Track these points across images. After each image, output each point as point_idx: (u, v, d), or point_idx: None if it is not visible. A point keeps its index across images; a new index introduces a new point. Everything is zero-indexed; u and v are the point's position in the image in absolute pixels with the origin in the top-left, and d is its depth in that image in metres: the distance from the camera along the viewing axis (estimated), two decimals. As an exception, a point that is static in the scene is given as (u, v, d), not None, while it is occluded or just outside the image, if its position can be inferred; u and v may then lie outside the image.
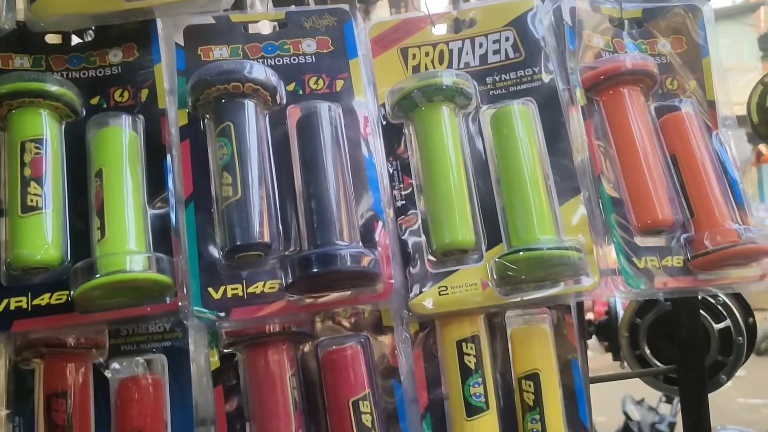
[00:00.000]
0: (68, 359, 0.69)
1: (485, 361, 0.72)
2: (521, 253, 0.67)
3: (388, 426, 0.70)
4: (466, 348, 0.71)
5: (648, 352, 1.01)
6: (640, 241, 0.71)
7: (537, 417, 0.72)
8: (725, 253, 0.69)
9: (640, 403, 2.97)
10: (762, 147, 6.76)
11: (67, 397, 0.68)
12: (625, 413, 2.77)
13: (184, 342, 0.70)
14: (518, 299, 0.69)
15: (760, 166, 6.74)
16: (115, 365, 0.70)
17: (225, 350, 0.69)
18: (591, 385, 0.73)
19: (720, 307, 1.02)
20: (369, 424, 0.69)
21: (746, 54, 7.07)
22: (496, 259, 0.69)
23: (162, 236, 0.68)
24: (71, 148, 0.70)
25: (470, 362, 0.71)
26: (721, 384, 1.01)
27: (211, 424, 0.71)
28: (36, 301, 0.64)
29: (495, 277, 0.69)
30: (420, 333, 0.73)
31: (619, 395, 2.90)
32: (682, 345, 0.82)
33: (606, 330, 1.48)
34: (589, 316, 1.54)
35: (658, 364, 1.00)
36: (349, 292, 0.67)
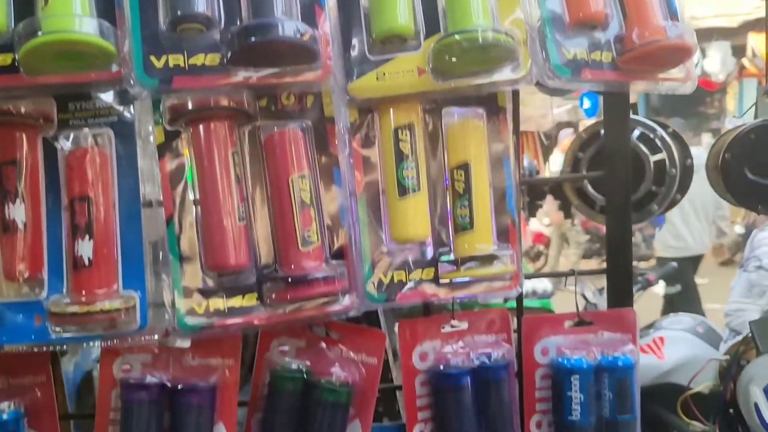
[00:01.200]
0: (18, 129, 0.71)
1: (419, 148, 0.76)
2: (456, 36, 0.70)
3: (325, 205, 0.75)
4: (402, 135, 0.75)
5: (586, 181, 1.06)
6: (572, 33, 0.74)
7: (466, 203, 0.77)
8: (651, 48, 0.72)
9: (600, 291, 3.10)
10: (744, 60, 6.76)
11: (18, 166, 0.71)
12: (583, 296, 2.90)
13: (130, 117, 0.73)
14: (452, 85, 0.73)
15: (741, 79, 6.75)
16: (64, 138, 0.73)
17: (169, 126, 0.72)
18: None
19: (657, 141, 1.06)
20: (308, 201, 0.73)
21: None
22: (433, 45, 0.71)
23: (106, 10, 0.69)
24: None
25: (405, 148, 0.75)
26: (653, 213, 1.07)
27: (158, 205, 0.75)
28: (-20, 64, 0.66)
29: (431, 64, 0.72)
30: (359, 121, 0.76)
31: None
32: (609, 155, 0.87)
33: (560, 189, 1.53)
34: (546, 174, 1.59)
35: (596, 194, 1.06)
36: (289, 70, 0.70)
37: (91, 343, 0.73)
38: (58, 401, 0.84)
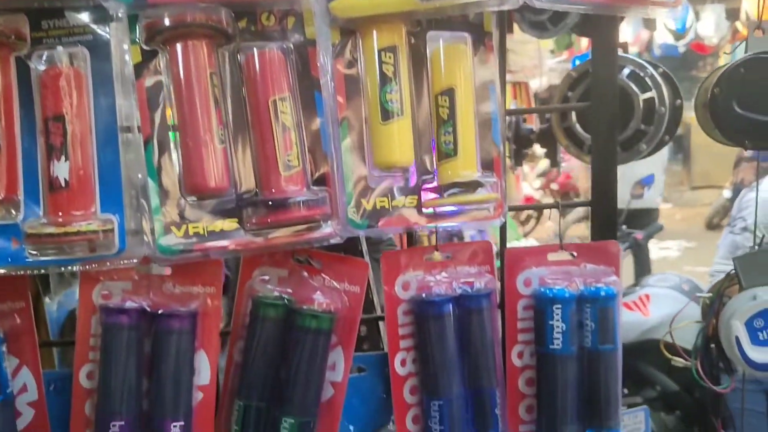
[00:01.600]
0: (-11, 48, 0.69)
1: (403, 72, 0.74)
2: (440, -48, 0.68)
3: (307, 130, 0.74)
4: (385, 57, 0.73)
5: (574, 119, 1.05)
6: (560, -48, 0.72)
7: (450, 130, 0.76)
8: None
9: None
10: (738, 24, 6.70)
11: (-10, 86, 0.69)
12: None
13: (105, 36, 0.71)
14: (436, 5, 0.71)
15: (735, 42, 6.70)
16: (38, 57, 0.71)
17: (146, 45, 0.70)
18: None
19: (647, 79, 1.05)
20: (289, 124, 0.72)
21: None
22: (417, -39, 0.70)
23: None
24: None
25: (388, 70, 0.73)
26: (641, 153, 1.06)
27: (138, 130, 0.73)
28: (-52, -28, 0.64)
29: (415, -17, 0.70)
30: (341, 43, 0.74)
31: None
32: (595, 86, 0.86)
33: (546, 137, 1.52)
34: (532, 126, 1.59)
35: (583, 132, 1.05)
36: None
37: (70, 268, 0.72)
38: (40, 332, 0.84)
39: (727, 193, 5.97)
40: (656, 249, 6.08)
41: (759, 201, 1.35)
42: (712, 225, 6.44)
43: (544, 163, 5.92)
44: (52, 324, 1.16)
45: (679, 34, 6.57)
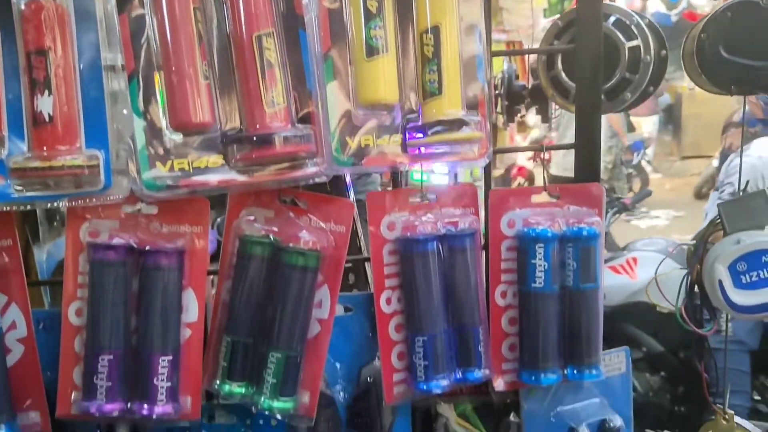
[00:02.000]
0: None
1: (387, 8, 0.74)
2: None
3: (291, 68, 0.74)
4: (369, -7, 0.73)
5: (560, 66, 1.05)
6: None
7: (435, 68, 0.76)
8: None
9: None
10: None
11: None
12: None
13: (87, -31, 0.70)
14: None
15: (727, 12, 6.67)
16: (19, -12, 0.70)
17: (129, -19, 0.70)
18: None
19: (633, 28, 1.05)
20: (273, 61, 0.72)
21: None
22: None
23: None
24: None
25: (372, 6, 0.73)
26: (625, 102, 1.06)
27: (122, 68, 0.73)
28: None
29: None
30: (326, -21, 0.74)
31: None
32: (580, 28, 0.86)
33: (538, 94, 1.52)
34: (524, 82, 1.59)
35: (569, 81, 1.05)
36: None
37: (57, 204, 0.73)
38: (29, 277, 0.84)
39: (716, 162, 5.99)
40: (645, 218, 6.13)
41: (745, 165, 1.37)
42: (701, 194, 6.48)
43: (536, 133, 5.92)
44: (41, 274, 1.17)
45: (671, 3, 6.53)
